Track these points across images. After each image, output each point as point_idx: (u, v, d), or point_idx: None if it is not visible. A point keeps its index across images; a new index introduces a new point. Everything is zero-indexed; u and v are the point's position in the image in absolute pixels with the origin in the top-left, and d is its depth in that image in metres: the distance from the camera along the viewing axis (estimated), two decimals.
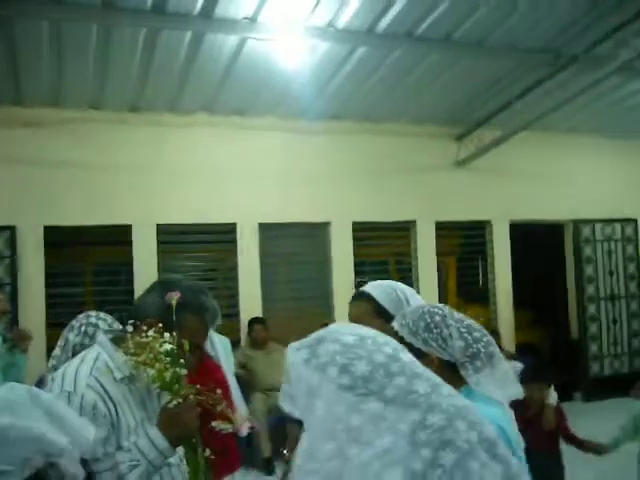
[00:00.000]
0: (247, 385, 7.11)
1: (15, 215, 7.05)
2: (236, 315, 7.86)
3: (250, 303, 7.85)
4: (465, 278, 9.73)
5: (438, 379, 1.06)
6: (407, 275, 8.93)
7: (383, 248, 9.17)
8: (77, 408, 1.83)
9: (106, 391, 1.91)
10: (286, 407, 1.05)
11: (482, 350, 1.85)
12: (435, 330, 1.84)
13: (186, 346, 1.92)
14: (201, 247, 7.98)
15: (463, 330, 1.87)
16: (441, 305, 1.96)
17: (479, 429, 0.98)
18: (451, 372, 1.82)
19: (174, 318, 1.93)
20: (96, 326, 2.62)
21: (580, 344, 9.70)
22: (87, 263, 8.15)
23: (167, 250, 7.65)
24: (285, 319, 7.76)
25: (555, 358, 9.88)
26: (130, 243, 7.45)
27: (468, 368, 1.82)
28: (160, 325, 1.87)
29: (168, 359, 1.83)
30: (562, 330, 10.22)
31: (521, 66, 7.12)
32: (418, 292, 8.40)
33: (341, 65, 6.71)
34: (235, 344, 7.40)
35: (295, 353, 1.05)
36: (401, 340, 1.83)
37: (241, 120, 7.83)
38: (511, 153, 8.75)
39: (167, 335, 1.84)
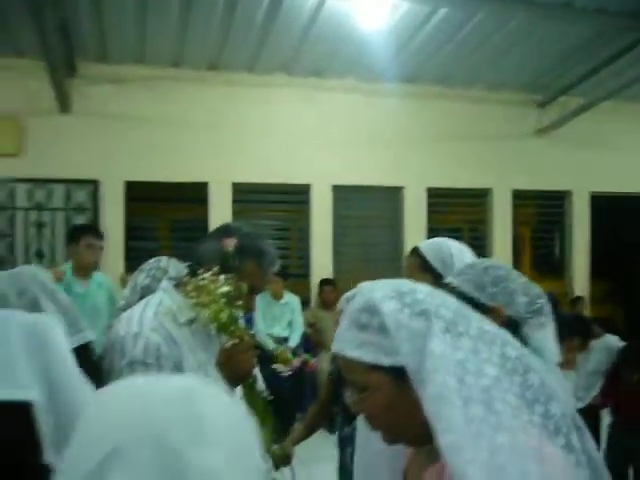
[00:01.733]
0: (315, 344, 7.23)
1: (98, 169, 7.28)
2: (307, 275, 7.95)
3: (321, 264, 7.92)
4: (540, 249, 9.52)
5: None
6: (481, 244, 8.80)
7: (457, 215, 9.05)
8: (142, 350, 1.89)
9: (169, 334, 1.95)
10: (369, 356, 1.10)
11: (544, 306, 1.81)
12: (502, 284, 1.79)
13: (244, 289, 1.95)
14: (275, 207, 8.07)
15: (525, 286, 1.83)
16: (468, 256, 1.94)
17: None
18: (512, 329, 1.79)
19: (232, 263, 1.96)
20: (165, 271, 2.67)
21: None
22: (164, 219, 8.36)
23: (241, 209, 7.76)
24: (355, 281, 7.76)
25: (630, 334, 9.60)
26: (206, 201, 7.60)
27: (532, 325, 1.78)
28: (216, 268, 1.89)
29: (223, 300, 1.86)
30: (638, 306, 9.91)
31: (609, 31, 6.83)
32: None
33: (421, 26, 6.60)
34: (305, 304, 7.51)
35: (385, 303, 1.10)
36: (460, 296, 1.78)
37: (318, 81, 7.81)
38: (595, 122, 8.45)
39: (222, 277, 1.87)
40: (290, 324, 6.99)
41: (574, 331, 4.37)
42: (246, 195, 7.76)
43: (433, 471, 1.12)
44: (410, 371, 1.06)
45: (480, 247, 8.77)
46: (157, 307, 2.01)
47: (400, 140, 8.07)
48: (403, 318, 1.08)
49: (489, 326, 1.13)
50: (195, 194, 7.66)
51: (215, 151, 7.53)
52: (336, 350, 1.16)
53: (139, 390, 0.78)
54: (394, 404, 1.12)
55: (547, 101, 8.55)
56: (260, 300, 6.73)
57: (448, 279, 1.88)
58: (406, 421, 1.13)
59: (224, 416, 0.75)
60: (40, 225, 7.33)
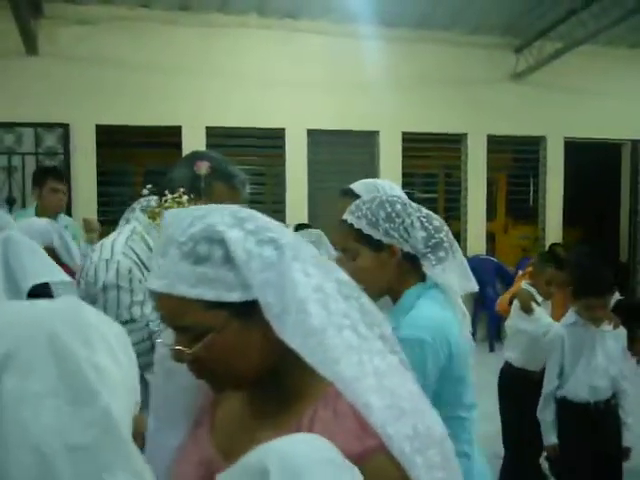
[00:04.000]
0: None
1: (68, 113, 7.13)
2: (282, 220, 7.92)
3: (296, 209, 7.90)
4: (515, 195, 9.58)
5: None
6: (456, 189, 8.83)
7: (433, 160, 9.06)
8: (115, 273, 1.98)
9: (140, 259, 2.04)
10: (210, 292, 0.95)
11: (444, 240, 1.78)
12: (397, 220, 1.75)
13: None
14: (250, 151, 7.98)
15: (424, 219, 1.79)
16: (397, 193, 1.88)
17: None
18: (411, 265, 1.78)
19: (202, 186, 2.02)
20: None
21: (629, 267, 9.56)
22: (138, 164, 8.27)
23: None
24: (330, 226, 7.78)
25: None
26: (180, 145, 7.50)
27: (431, 259, 1.76)
28: (182, 190, 1.94)
29: None
30: (611, 252, 10.06)
31: None
32: (466, 207, 8.34)
33: None
34: None
35: (228, 231, 0.95)
36: (358, 233, 1.78)
37: (293, 23, 7.66)
38: (572, 67, 8.40)
39: (185, 198, 1.92)
40: None
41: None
42: (220, 139, 7.64)
43: (291, 422, 1.00)
44: (264, 305, 0.93)
45: (455, 192, 8.81)
46: (130, 234, 2.10)
47: (375, 84, 7.96)
48: (251, 247, 0.94)
49: (315, 250, 1.04)
50: (168, 139, 7.54)
51: (188, 94, 7.38)
52: (162, 289, 0.97)
53: (26, 303, 0.82)
54: (240, 344, 0.99)
55: (524, 45, 8.47)
56: None
57: (346, 216, 1.82)
58: (247, 362, 1.01)
59: (108, 326, 0.80)
60: (10, 170, 7.20)
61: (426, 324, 1.68)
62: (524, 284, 4.06)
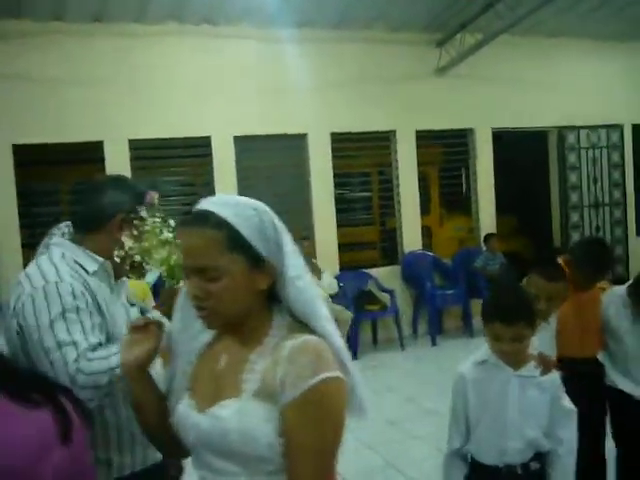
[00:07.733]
0: None
1: None
2: None
3: None
4: (448, 187, 9.64)
5: None
6: (389, 186, 8.81)
7: (364, 159, 9.02)
8: (69, 294, 1.87)
9: (85, 281, 1.96)
10: None
11: None
12: None
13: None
14: (176, 162, 7.80)
15: None
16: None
17: None
18: None
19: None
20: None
21: (562, 252, 9.69)
22: (62, 182, 7.98)
23: (141, 166, 7.42)
24: None
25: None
26: (103, 160, 7.24)
27: None
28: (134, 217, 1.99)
29: (168, 246, 1.95)
30: (545, 238, 10.22)
31: None
32: (399, 203, 8.32)
33: None
34: None
35: None
36: None
37: (212, 29, 7.51)
38: (494, 59, 8.53)
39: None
40: None
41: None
42: (144, 152, 7.42)
43: None
44: None
45: (388, 189, 8.79)
46: (63, 259, 2.00)
47: (300, 86, 7.89)
48: None
49: None
50: (91, 154, 7.29)
51: (107, 108, 7.14)
52: None
53: None
54: None
55: (445, 39, 8.52)
56: None
57: None
58: None
59: None
60: None
61: None
62: None
